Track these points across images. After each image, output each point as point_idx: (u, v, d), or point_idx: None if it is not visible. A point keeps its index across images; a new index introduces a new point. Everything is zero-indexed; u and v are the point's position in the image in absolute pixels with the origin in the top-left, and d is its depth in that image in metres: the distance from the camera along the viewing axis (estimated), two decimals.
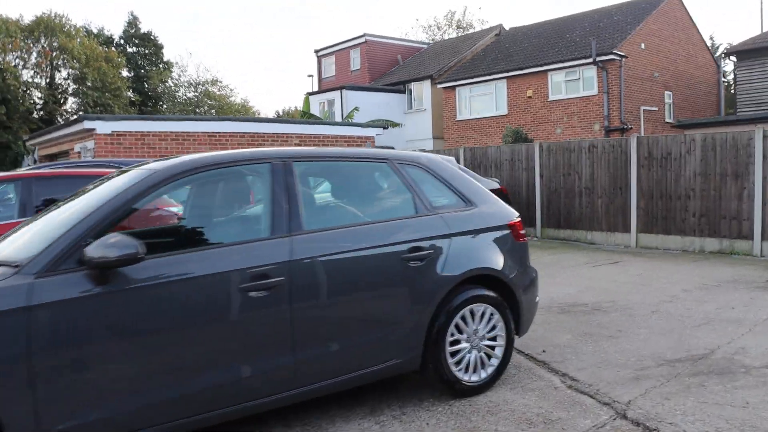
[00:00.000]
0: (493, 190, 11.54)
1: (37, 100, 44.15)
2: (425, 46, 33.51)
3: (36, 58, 43.33)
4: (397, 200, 3.93)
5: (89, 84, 43.50)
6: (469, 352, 3.93)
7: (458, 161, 14.16)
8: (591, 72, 19.26)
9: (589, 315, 5.96)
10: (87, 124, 12.58)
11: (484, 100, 23.02)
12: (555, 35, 22.39)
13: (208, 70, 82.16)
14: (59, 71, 44.61)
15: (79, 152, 13.15)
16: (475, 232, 4.02)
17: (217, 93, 55.70)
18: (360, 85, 28.14)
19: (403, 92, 27.92)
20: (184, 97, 54.55)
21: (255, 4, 79.43)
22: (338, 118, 25.16)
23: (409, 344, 3.69)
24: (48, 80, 44.42)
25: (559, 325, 5.62)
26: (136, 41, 50.53)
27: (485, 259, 4.00)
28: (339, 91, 27.19)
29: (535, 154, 12.27)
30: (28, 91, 43.66)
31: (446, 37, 42.93)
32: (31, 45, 42.92)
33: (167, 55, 58.13)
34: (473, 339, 3.94)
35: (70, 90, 45.70)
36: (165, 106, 52.20)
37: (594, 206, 11.28)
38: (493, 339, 4.04)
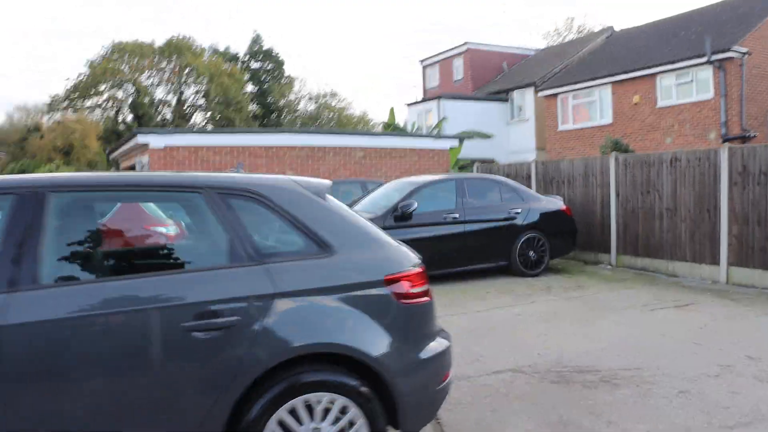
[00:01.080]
0: (556, 211, 10.04)
1: (168, 116, 47.36)
2: (532, 52, 31.48)
3: (167, 77, 46.36)
4: (206, 244, 2.86)
5: (214, 99, 45.90)
6: None
7: (530, 176, 12.58)
8: (706, 73, 16.60)
9: (590, 390, 4.45)
10: (141, 139, 12.58)
11: (586, 108, 20.91)
12: (668, 34, 19.75)
13: (327, 84, 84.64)
14: (188, 88, 47.47)
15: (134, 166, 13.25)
16: (322, 291, 2.84)
17: (336, 106, 56.78)
18: (457, 95, 26.87)
19: (506, 101, 26.26)
20: (305, 110, 56.13)
21: (375, 21, 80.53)
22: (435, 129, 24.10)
23: None
24: (177, 97, 47.49)
25: (535, 403, 4.19)
26: (260, 57, 52.55)
27: (334, 330, 2.80)
28: (436, 100, 26.13)
29: (610, 169, 10.46)
30: (160, 108, 47.02)
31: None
32: (165, 65, 46.04)
33: (288, 70, 60.29)
34: None
35: (196, 105, 48.55)
36: (286, 119, 53.90)
37: (676, 231, 9.29)
38: None
